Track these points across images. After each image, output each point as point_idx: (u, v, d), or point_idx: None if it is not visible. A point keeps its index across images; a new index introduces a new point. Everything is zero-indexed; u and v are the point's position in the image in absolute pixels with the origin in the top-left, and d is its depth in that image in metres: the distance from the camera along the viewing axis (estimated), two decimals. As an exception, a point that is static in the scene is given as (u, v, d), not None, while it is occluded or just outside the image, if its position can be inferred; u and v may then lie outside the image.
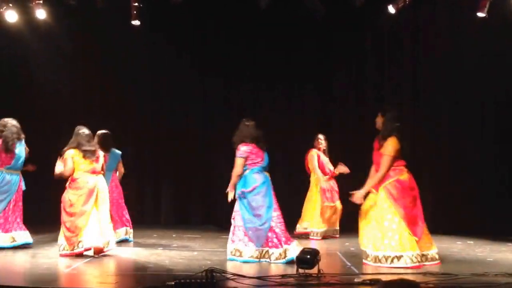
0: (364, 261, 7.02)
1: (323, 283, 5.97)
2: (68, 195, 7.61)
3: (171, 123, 11.41)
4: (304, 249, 6.62)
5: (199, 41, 11.34)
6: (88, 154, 7.66)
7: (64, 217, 7.56)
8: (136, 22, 10.21)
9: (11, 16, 9.68)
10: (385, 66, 11.13)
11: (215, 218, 11.00)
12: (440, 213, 9.91)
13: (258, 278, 6.11)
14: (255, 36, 11.15)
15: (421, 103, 10.90)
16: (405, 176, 7.03)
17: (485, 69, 10.23)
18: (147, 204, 11.60)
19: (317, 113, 11.27)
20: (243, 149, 7.31)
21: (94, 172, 7.72)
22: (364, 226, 7.08)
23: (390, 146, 6.96)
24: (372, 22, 10.79)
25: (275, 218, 7.21)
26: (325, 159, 9.78)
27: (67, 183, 7.71)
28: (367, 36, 11.09)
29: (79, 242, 7.39)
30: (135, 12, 10.13)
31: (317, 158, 9.69)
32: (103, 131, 8.75)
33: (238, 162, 7.29)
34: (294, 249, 7.03)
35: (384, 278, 6.04)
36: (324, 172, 9.69)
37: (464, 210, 10.22)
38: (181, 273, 6.20)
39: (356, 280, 6.12)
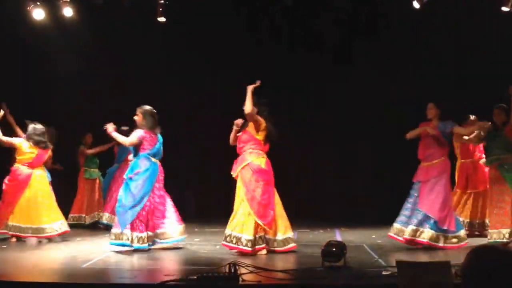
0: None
1: (349, 276, 5.64)
2: (4, 185, 8.37)
3: (196, 119, 11.11)
4: (330, 241, 6.31)
5: (221, 39, 10.99)
6: (41, 145, 8.33)
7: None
8: (161, 19, 10.04)
9: (39, 14, 9.64)
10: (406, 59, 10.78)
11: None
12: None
13: (283, 271, 5.82)
14: (278, 33, 10.76)
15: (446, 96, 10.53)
16: (259, 160, 7.06)
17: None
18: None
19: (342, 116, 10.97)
20: (139, 133, 7.53)
21: (31, 165, 8.30)
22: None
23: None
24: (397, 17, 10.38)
25: (151, 204, 7.32)
26: None
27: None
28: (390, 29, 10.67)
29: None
30: (160, 9, 9.97)
31: None
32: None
33: (132, 139, 7.52)
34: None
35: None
36: None
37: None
38: (204, 267, 5.92)
39: (383, 273, 5.76)
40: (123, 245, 7.17)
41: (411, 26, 10.30)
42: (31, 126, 8.43)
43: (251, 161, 7.07)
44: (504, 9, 8.92)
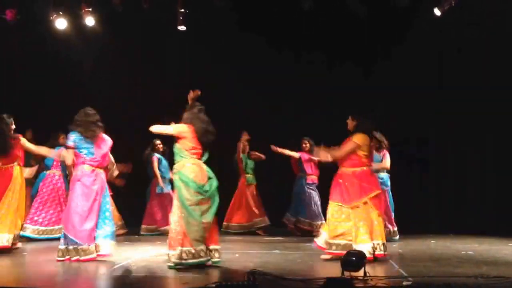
0: None
1: (369, 286, 5.46)
2: None
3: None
4: (350, 251, 6.12)
5: (241, 46, 10.96)
6: None
7: None
8: (182, 28, 10.02)
9: (61, 23, 9.81)
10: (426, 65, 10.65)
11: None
12: (491, 215, 9.40)
13: (301, 280, 5.65)
14: (297, 38, 10.82)
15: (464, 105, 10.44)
16: None
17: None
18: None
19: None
20: None
21: None
22: None
23: None
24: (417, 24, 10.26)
25: None
26: None
27: None
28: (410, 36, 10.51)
29: None
30: (181, 18, 9.97)
31: None
32: None
33: None
34: None
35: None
36: None
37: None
38: (222, 275, 5.77)
39: (404, 283, 5.59)
40: None
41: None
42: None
43: None
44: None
